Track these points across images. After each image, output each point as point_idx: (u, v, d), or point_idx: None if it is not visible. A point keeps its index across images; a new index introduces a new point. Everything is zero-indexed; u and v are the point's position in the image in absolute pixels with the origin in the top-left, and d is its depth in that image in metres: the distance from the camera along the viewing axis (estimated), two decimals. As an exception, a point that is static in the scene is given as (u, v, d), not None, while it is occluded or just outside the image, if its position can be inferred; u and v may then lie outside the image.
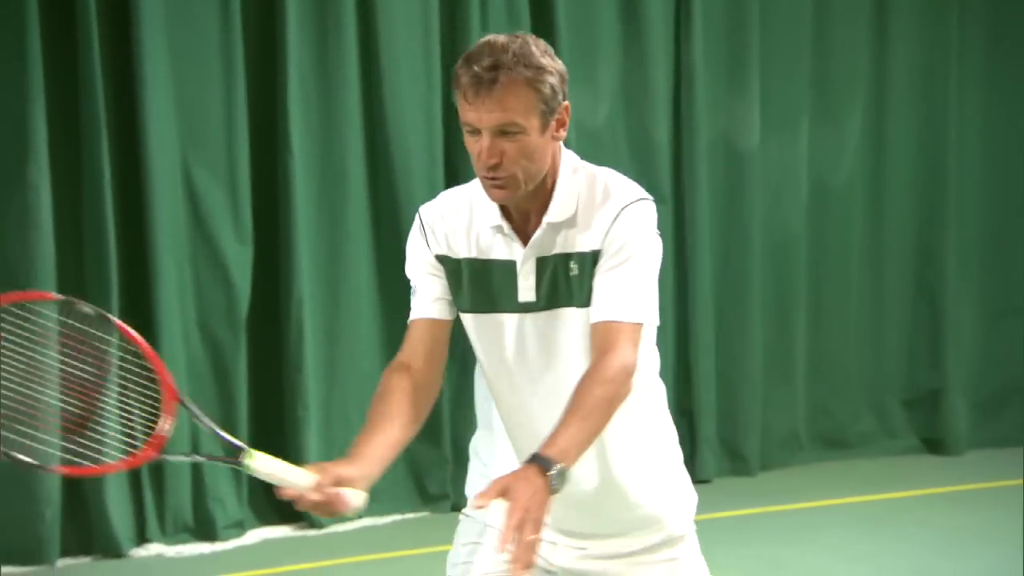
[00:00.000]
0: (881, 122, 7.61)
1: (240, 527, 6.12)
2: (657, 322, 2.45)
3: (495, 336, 2.50)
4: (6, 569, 5.68)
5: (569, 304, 2.43)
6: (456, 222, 2.50)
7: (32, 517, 5.67)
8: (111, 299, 5.77)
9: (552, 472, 2.16)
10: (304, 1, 6.18)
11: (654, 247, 2.44)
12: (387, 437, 2.48)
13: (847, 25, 7.50)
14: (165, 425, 2.45)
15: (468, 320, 2.53)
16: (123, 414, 2.50)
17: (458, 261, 2.50)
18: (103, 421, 2.48)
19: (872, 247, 7.66)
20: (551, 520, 2.52)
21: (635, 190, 2.48)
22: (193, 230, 6.04)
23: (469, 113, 2.35)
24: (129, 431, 2.49)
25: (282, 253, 6.20)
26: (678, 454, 2.67)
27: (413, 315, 2.55)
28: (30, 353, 2.48)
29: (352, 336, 6.35)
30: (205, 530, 6.03)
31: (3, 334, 2.45)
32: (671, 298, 7.08)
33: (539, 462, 2.17)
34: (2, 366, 2.45)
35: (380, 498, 6.43)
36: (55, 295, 2.55)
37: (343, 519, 6.33)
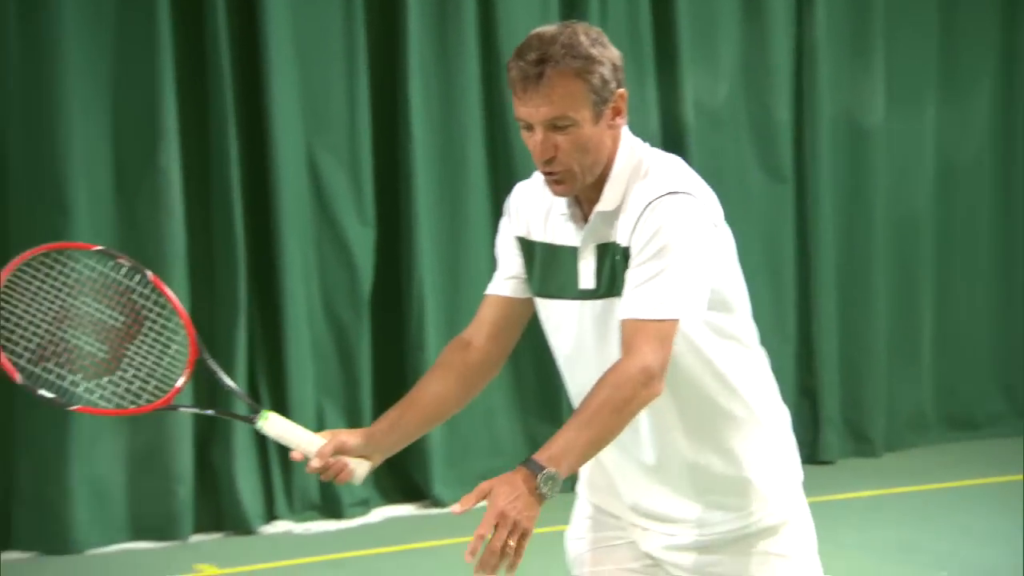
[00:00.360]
0: (1011, 98, 7.41)
1: (365, 505, 6.20)
2: (694, 316, 2.34)
3: (559, 322, 2.48)
4: (141, 544, 5.83)
5: (617, 294, 2.39)
6: (538, 205, 2.49)
7: (166, 494, 5.82)
8: (238, 280, 5.88)
9: (540, 476, 2.14)
10: (424, -13, 6.23)
11: (690, 240, 2.33)
12: (419, 413, 2.53)
13: (975, -2, 7.32)
14: (182, 378, 2.56)
15: (536, 304, 2.53)
16: (146, 364, 2.59)
17: (533, 244, 2.49)
18: (127, 368, 2.59)
19: (1000, 225, 7.47)
20: (638, 502, 2.52)
21: (669, 183, 2.37)
22: (317, 213, 6.13)
23: (521, 108, 2.33)
24: (149, 380, 2.58)
25: (404, 235, 6.25)
26: (778, 437, 2.56)
27: (488, 290, 2.57)
28: (66, 298, 2.60)
29: (472, 316, 6.37)
30: (331, 508, 6.12)
31: (44, 279, 2.59)
32: (792, 277, 7.00)
33: (529, 466, 2.16)
34: (39, 309, 2.58)
35: (503, 477, 6.46)
36: (95, 246, 2.66)
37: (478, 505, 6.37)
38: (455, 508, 2.13)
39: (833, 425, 7.05)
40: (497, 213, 6.47)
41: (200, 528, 5.93)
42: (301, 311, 6.04)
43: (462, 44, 6.29)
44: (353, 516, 6.14)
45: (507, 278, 2.55)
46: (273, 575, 5.52)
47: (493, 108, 6.39)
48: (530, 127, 2.35)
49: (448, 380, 2.55)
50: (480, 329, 2.58)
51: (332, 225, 6.14)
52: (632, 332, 2.29)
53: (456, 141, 6.33)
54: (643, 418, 2.43)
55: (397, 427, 2.53)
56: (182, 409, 2.66)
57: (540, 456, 2.18)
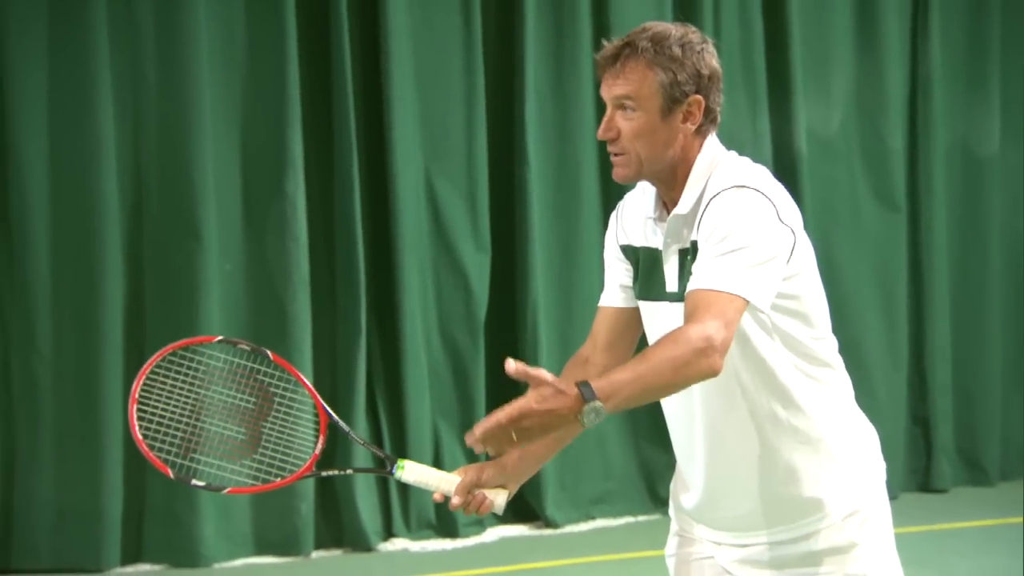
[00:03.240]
0: None
1: (480, 525, 6.20)
2: (760, 301, 2.28)
3: (652, 324, 2.50)
4: (264, 559, 5.89)
5: None
6: (639, 211, 2.52)
7: (289, 511, 5.88)
8: (360, 304, 5.94)
9: (587, 406, 2.13)
10: (542, 20, 6.25)
11: (755, 230, 2.29)
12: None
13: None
14: (318, 445, 2.61)
15: (641, 307, 2.54)
16: (283, 437, 2.66)
17: (636, 250, 2.51)
18: (267, 444, 2.66)
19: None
20: (711, 516, 2.50)
21: (736, 179, 2.35)
22: (435, 239, 6.17)
23: (601, 87, 2.43)
24: (289, 452, 2.64)
25: (518, 260, 6.27)
26: (858, 458, 2.47)
27: (600, 302, 2.61)
28: (199, 390, 2.69)
29: (584, 340, 6.37)
30: (447, 527, 6.14)
31: (176, 377, 2.68)
32: (905, 305, 6.87)
33: (583, 391, 2.14)
34: (176, 404, 2.67)
35: (613, 500, 6.44)
36: (214, 338, 2.73)
37: (581, 519, 6.36)
38: (510, 367, 2.19)
39: (946, 453, 6.89)
40: (610, 240, 6.51)
41: (321, 544, 5.98)
42: (418, 334, 6.08)
43: (578, 72, 6.30)
44: (468, 536, 6.14)
45: (617, 288, 2.58)
46: (390, 591, 5.55)
47: (607, 138, 6.37)
48: (607, 106, 2.43)
49: None
50: (595, 343, 2.60)
51: (449, 250, 6.18)
52: (695, 303, 2.26)
53: (570, 169, 6.34)
54: (702, 433, 2.46)
55: (527, 454, 2.55)
56: (324, 474, 2.67)
57: (597, 383, 2.15)
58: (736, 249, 2.27)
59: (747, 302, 2.26)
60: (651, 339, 2.51)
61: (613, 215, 2.60)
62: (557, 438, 2.52)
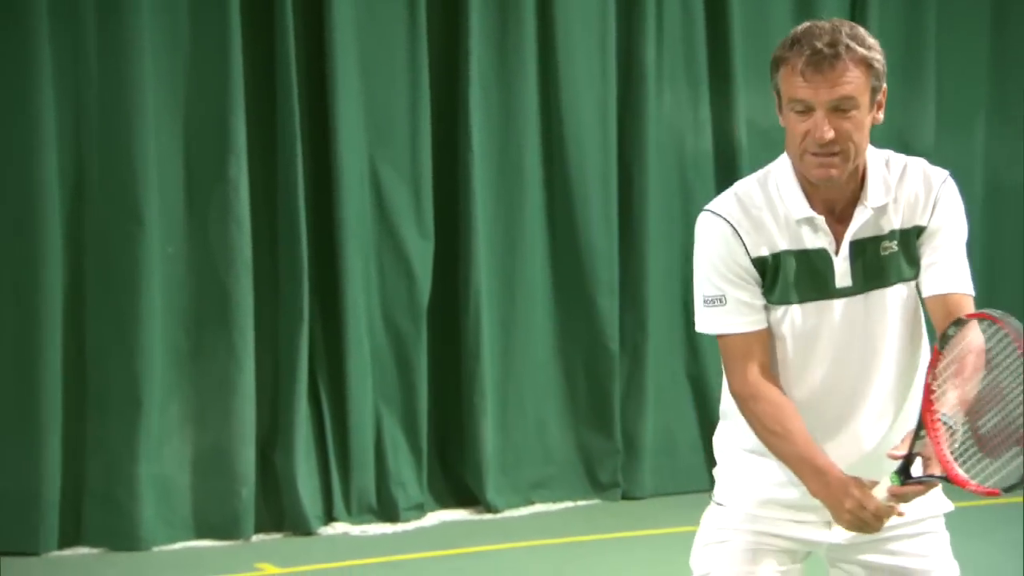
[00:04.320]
0: (1061, 120, 7.32)
1: (420, 509, 6.20)
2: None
3: (818, 323, 2.46)
4: (204, 542, 5.85)
5: (882, 285, 2.45)
6: (764, 219, 2.46)
7: (229, 495, 5.84)
8: (302, 289, 5.91)
9: None
10: (486, 7, 6.24)
11: (966, 223, 2.50)
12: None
13: (1025, 21, 7.24)
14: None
15: (788, 312, 2.47)
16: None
17: (777, 256, 2.46)
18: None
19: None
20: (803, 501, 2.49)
21: (942, 169, 2.51)
22: (378, 224, 6.15)
23: (804, 90, 2.37)
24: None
25: (462, 247, 6.26)
26: None
27: (736, 328, 2.47)
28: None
29: (527, 326, 6.39)
30: (388, 511, 6.13)
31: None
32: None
33: None
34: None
35: (553, 485, 6.46)
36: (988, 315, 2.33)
37: (521, 504, 6.38)
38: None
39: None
40: (552, 228, 6.52)
41: (261, 528, 5.95)
42: (361, 320, 6.07)
43: (521, 62, 6.30)
44: (408, 520, 6.14)
45: (757, 308, 2.48)
46: (331, 575, 5.53)
47: (551, 123, 6.39)
48: (807, 111, 2.38)
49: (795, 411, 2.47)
50: (764, 370, 2.48)
51: (392, 236, 6.16)
52: (960, 306, 2.40)
53: (514, 157, 6.34)
54: (871, 407, 2.50)
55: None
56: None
57: None
58: (962, 246, 2.47)
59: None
60: (803, 340, 2.46)
61: (727, 233, 2.45)
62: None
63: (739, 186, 2.53)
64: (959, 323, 2.33)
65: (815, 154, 2.38)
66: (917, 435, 2.33)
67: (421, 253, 6.18)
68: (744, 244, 2.46)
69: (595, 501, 6.48)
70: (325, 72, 5.97)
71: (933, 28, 7.03)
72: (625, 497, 6.44)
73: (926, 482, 2.31)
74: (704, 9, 6.63)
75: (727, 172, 6.39)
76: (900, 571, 2.55)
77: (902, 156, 2.52)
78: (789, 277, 2.45)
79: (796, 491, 2.48)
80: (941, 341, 2.34)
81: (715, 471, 2.69)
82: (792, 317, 2.47)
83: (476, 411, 6.25)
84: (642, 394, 6.47)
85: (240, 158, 5.80)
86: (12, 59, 5.57)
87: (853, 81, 2.37)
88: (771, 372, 2.48)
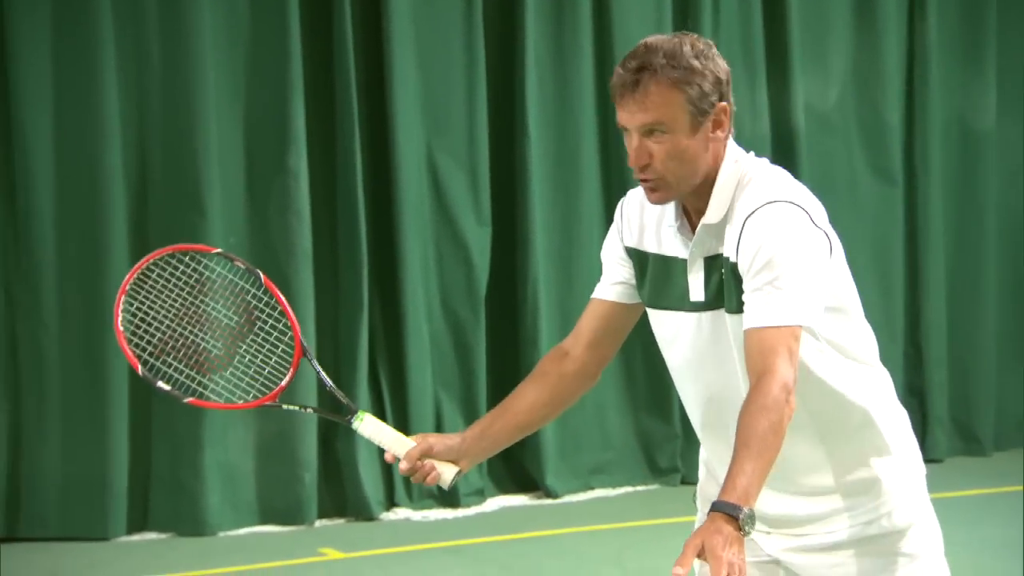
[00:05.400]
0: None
1: (480, 495, 6.21)
2: (814, 322, 2.26)
3: (673, 334, 2.41)
4: (268, 528, 5.90)
5: (724, 307, 2.33)
6: (650, 215, 2.43)
7: (292, 481, 5.88)
8: (361, 277, 5.93)
9: (741, 518, 2.08)
10: (542, -5, 6.23)
11: (797, 246, 2.25)
12: (510, 421, 2.50)
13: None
14: (286, 378, 2.58)
15: (649, 314, 2.45)
16: (255, 362, 2.61)
17: (646, 255, 2.42)
18: (238, 365, 2.63)
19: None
20: (761, 510, 2.37)
21: (769, 193, 2.30)
22: (436, 213, 6.15)
23: (620, 114, 2.30)
24: (258, 377, 2.61)
25: (519, 234, 6.25)
26: (900, 439, 2.46)
27: (594, 294, 2.51)
28: (187, 297, 2.66)
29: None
30: (449, 497, 6.14)
31: (168, 279, 2.65)
32: (902, 278, 6.85)
33: (726, 510, 2.09)
34: (163, 306, 2.64)
35: (612, 471, 6.44)
36: (214, 248, 2.70)
37: (580, 489, 6.36)
38: (678, 571, 2.03)
39: (941, 424, 6.89)
40: (609, 214, 6.45)
41: (324, 514, 5.98)
42: (420, 307, 6.07)
43: (577, 49, 6.27)
44: (469, 505, 6.15)
45: (613, 283, 2.49)
46: (393, 560, 5.54)
47: (607, 112, 6.35)
48: (626, 133, 2.32)
49: (542, 390, 2.51)
50: (580, 338, 2.52)
51: (450, 225, 6.16)
52: (759, 345, 2.22)
53: (570, 144, 6.31)
54: None
55: (487, 434, 2.51)
56: (285, 407, 2.64)
57: (730, 497, 2.11)
58: (782, 275, 2.24)
59: (802, 326, 2.25)
60: (666, 348, 2.45)
61: (617, 213, 2.48)
62: (520, 425, 2.52)
63: None
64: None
65: (638, 177, 2.32)
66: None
67: (479, 240, 6.18)
68: (620, 228, 2.46)
69: (654, 486, 6.46)
70: (383, 62, 5.98)
71: (994, 8, 6.93)
72: (684, 482, 6.41)
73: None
74: (761, -6, 6.56)
75: (785, 156, 6.31)
76: None
77: (756, 172, 2.34)
78: (653, 281, 2.41)
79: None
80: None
81: None
82: (655, 322, 2.43)
83: (535, 397, 6.23)
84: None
85: (300, 149, 5.82)
86: (77, 54, 5.62)
87: (660, 105, 2.26)
88: (592, 349, 2.50)
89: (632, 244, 2.45)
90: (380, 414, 6.05)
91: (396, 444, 2.47)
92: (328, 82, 5.95)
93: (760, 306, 2.24)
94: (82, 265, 5.69)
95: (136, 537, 5.75)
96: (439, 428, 6.13)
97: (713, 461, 2.49)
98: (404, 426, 6.07)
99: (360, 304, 5.93)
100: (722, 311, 2.33)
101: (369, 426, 2.49)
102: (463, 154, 6.15)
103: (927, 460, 7.31)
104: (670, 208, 2.40)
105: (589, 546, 5.68)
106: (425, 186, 6.11)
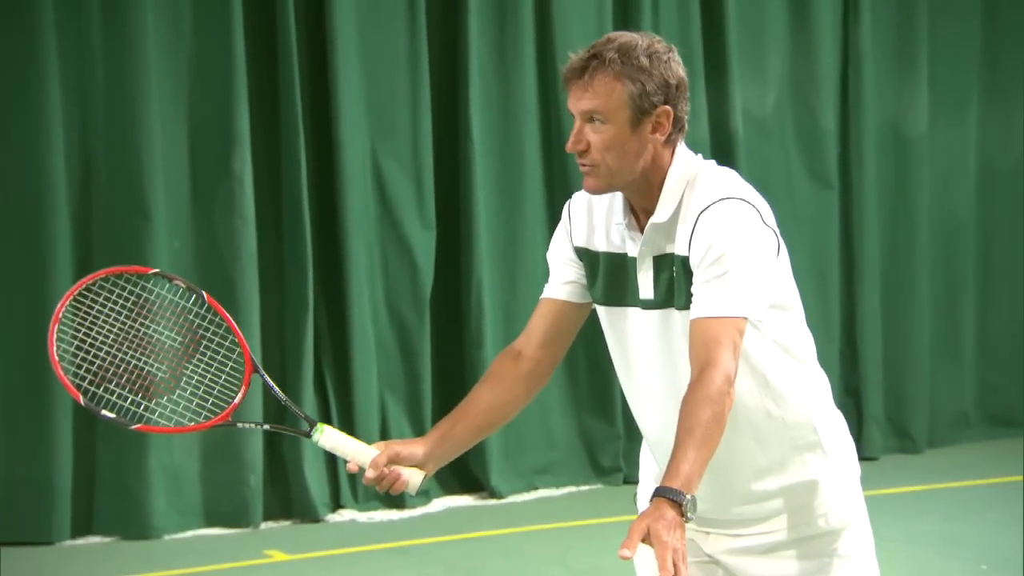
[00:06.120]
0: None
1: (426, 496, 6.21)
2: (759, 316, 2.31)
3: (620, 330, 2.44)
4: (214, 530, 5.87)
5: (674, 305, 2.36)
6: (598, 214, 2.45)
7: (238, 483, 5.86)
8: (307, 281, 5.92)
9: (685, 504, 2.11)
10: (485, 2, 6.23)
11: (746, 242, 2.30)
12: (471, 422, 2.51)
13: (1018, 4, 7.22)
14: (239, 395, 2.52)
15: (600, 312, 2.48)
16: (204, 382, 2.56)
17: (596, 254, 2.45)
18: (186, 387, 2.57)
19: (1042, 230, 7.37)
20: (701, 511, 2.36)
21: (720, 191, 2.34)
22: (381, 216, 6.15)
23: (569, 100, 2.35)
24: (207, 397, 2.55)
25: (463, 237, 6.27)
26: (837, 441, 2.49)
27: (543, 294, 2.53)
28: (126, 321, 2.59)
29: (529, 314, 6.33)
30: (394, 498, 6.13)
31: (104, 304, 2.57)
32: (837, 280, 6.94)
33: (669, 495, 2.11)
34: (100, 332, 2.57)
35: (556, 471, 6.47)
36: (151, 269, 2.63)
37: (524, 489, 6.38)
38: (624, 553, 2.06)
39: (877, 422, 6.99)
40: (552, 217, 6.52)
41: (269, 516, 5.97)
42: (365, 309, 6.07)
43: (520, 55, 6.30)
44: (414, 506, 6.15)
45: (563, 283, 2.51)
46: (338, 561, 5.54)
47: (550, 116, 6.39)
48: (574, 118, 2.36)
49: (499, 390, 2.53)
50: (531, 338, 2.54)
51: (395, 228, 6.17)
52: (703, 335, 2.25)
53: (514, 147, 6.34)
54: None
55: (449, 437, 2.51)
56: (240, 425, 2.59)
57: (673, 483, 2.13)
58: (731, 269, 2.27)
59: (747, 319, 2.28)
60: (615, 345, 2.47)
61: (564, 217, 2.51)
62: (481, 426, 2.53)
63: None
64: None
65: (578, 163, 2.37)
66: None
67: (423, 243, 6.18)
68: (568, 228, 2.48)
69: (597, 486, 6.50)
70: (327, 66, 5.96)
71: (926, 15, 7.03)
72: (627, 481, 6.44)
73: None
74: (699, 0, 6.62)
75: (724, 160, 6.30)
76: None
77: (705, 173, 2.38)
78: (604, 278, 2.43)
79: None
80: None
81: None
82: (605, 319, 2.46)
83: (479, 398, 6.25)
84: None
85: (244, 152, 5.80)
86: (18, 53, 5.57)
87: (602, 95, 2.30)
88: (543, 348, 2.51)
89: (581, 244, 2.47)
90: (325, 416, 6.04)
91: (359, 454, 2.46)
92: (272, 86, 5.93)
93: (707, 297, 2.28)
94: (24, 269, 5.63)
95: (81, 541, 5.71)
96: (384, 429, 6.13)
97: (658, 457, 2.51)
98: (350, 428, 6.06)
99: (305, 306, 5.92)
100: (672, 309, 2.36)
101: (330, 438, 2.47)
102: (407, 158, 6.16)
103: (863, 458, 7.45)
104: (617, 206, 2.43)
105: (533, 545, 5.71)
106: (370, 189, 6.11)
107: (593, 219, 2.46)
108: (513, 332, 6.59)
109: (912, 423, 7.09)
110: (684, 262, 2.32)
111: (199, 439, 5.85)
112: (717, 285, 2.27)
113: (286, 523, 5.99)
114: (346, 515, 6.06)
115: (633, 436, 6.53)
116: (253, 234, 5.84)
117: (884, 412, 7.04)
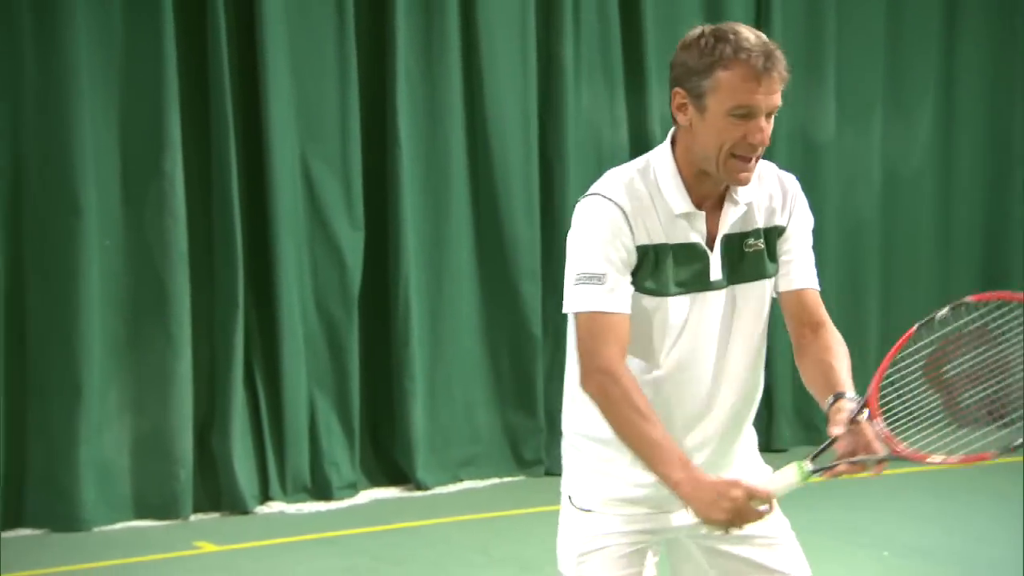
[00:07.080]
0: (951, 114, 7.55)
1: (353, 488, 6.27)
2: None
3: (687, 315, 2.43)
4: (144, 522, 5.88)
5: (745, 280, 2.46)
6: (649, 208, 2.41)
7: (168, 476, 5.88)
8: (237, 280, 5.95)
9: (859, 401, 2.44)
10: (412, 8, 6.30)
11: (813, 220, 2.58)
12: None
13: (920, 19, 7.45)
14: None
15: (662, 303, 2.43)
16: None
17: (656, 247, 2.41)
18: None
19: (941, 235, 7.61)
20: (658, 497, 2.45)
21: (790, 173, 2.58)
22: (310, 217, 6.20)
23: (752, 96, 2.33)
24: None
25: (391, 238, 6.33)
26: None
27: (609, 307, 2.40)
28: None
29: (454, 315, 6.48)
30: (322, 490, 6.20)
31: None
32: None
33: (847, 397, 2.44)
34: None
35: (480, 463, 6.56)
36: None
37: (449, 481, 6.47)
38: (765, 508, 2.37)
39: (786, 415, 7.17)
40: (477, 219, 6.61)
41: (199, 508, 5.99)
42: (295, 308, 6.12)
43: (446, 59, 6.38)
44: (341, 498, 6.21)
45: (627, 296, 2.42)
46: (267, 552, 5.57)
47: (475, 119, 6.48)
48: (747, 116, 2.34)
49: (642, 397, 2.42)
50: (622, 351, 2.42)
51: (324, 228, 6.21)
52: (815, 304, 2.54)
53: (440, 149, 6.42)
54: (725, 401, 2.54)
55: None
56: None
57: (848, 392, 2.49)
58: (811, 243, 2.57)
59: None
60: (672, 331, 2.44)
61: (616, 216, 2.40)
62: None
63: (621, 174, 2.45)
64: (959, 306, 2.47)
65: (741, 158, 2.34)
66: (854, 419, 2.41)
67: (352, 244, 6.24)
68: (632, 231, 2.39)
69: (520, 478, 6.60)
70: (257, 69, 6.00)
71: (833, 27, 7.21)
72: (548, 473, 6.55)
73: (859, 464, 2.44)
74: (619, 11, 6.75)
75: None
76: (751, 562, 2.61)
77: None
78: (667, 270, 2.41)
79: (663, 489, 2.37)
80: (930, 325, 2.48)
81: (567, 462, 2.63)
82: (665, 308, 2.43)
83: (406, 394, 6.34)
84: (564, 375, 6.55)
85: (175, 153, 5.82)
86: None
87: (780, 90, 2.38)
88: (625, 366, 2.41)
89: (644, 241, 2.42)
90: (255, 413, 6.08)
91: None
92: (203, 87, 5.94)
93: (810, 269, 2.54)
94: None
95: (11, 533, 5.68)
96: (313, 425, 6.18)
97: (690, 439, 2.50)
98: (278, 424, 6.11)
99: (236, 305, 5.95)
100: (738, 286, 2.48)
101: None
102: (336, 160, 6.21)
103: (773, 450, 7.63)
104: (665, 196, 2.41)
105: (458, 535, 5.77)
106: (299, 190, 6.16)
107: (646, 212, 2.41)
108: (439, 329, 6.67)
109: (818, 415, 7.20)
110: (778, 232, 2.50)
111: (129, 433, 5.87)
112: (811, 257, 2.54)
113: (215, 515, 6.01)
114: (275, 507, 6.09)
115: (554, 430, 6.64)
116: (184, 234, 5.86)
117: (792, 405, 7.22)
